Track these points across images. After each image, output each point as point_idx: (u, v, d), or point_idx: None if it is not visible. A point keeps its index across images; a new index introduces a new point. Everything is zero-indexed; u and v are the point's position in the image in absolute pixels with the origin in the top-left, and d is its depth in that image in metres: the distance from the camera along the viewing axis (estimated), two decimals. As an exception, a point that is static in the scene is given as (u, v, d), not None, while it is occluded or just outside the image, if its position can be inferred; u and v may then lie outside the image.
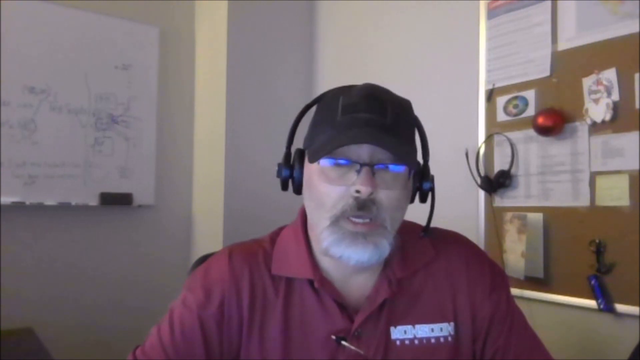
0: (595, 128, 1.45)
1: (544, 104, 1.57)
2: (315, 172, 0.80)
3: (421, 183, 0.85)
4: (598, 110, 1.44)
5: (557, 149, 1.54)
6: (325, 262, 0.85)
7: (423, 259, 0.89)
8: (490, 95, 1.72)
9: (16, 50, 2.04)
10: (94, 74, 2.21)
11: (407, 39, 2.05)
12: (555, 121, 1.51)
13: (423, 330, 0.85)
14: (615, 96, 1.41)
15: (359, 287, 0.86)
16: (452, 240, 0.93)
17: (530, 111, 1.60)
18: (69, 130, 2.15)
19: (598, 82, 1.44)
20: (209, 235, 2.35)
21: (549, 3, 1.58)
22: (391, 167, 0.78)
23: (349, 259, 0.77)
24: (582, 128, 1.48)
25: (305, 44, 2.52)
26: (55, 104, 2.12)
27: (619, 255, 1.39)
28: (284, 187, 0.87)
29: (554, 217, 1.54)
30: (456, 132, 1.81)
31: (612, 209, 1.41)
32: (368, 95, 0.80)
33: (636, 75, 1.37)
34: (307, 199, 0.84)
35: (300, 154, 0.85)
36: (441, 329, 0.86)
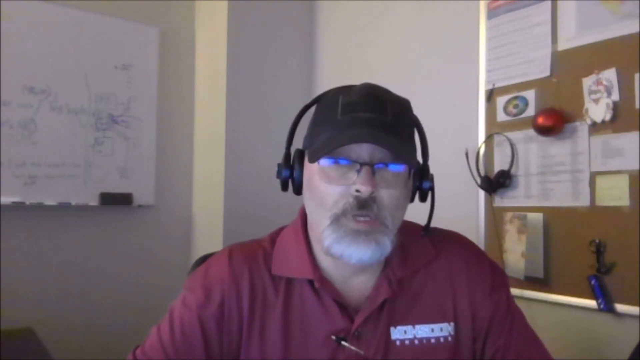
0: (595, 128, 1.45)
1: (544, 104, 1.57)
2: (316, 172, 0.80)
3: (421, 182, 0.85)
4: (598, 110, 1.44)
5: (557, 149, 1.54)
6: (325, 262, 0.85)
7: (423, 258, 0.89)
8: (490, 95, 1.72)
9: (16, 50, 2.04)
10: (94, 74, 2.21)
11: (407, 39, 2.05)
12: (555, 121, 1.51)
13: (423, 331, 0.85)
14: (615, 96, 1.41)
15: (359, 287, 0.86)
16: (452, 240, 0.93)
17: (530, 111, 1.60)
18: (69, 130, 2.15)
19: (598, 82, 1.44)
20: (209, 235, 2.35)
21: (549, 3, 1.58)
22: (391, 166, 0.78)
23: (350, 257, 0.77)
24: (582, 128, 1.48)
25: (305, 44, 2.52)
26: (55, 104, 2.12)
27: (619, 255, 1.39)
28: (284, 187, 0.87)
29: (554, 217, 1.54)
30: (456, 132, 1.81)
31: (612, 209, 1.41)
32: (368, 94, 0.80)
33: (636, 75, 1.37)
34: (308, 198, 0.84)
35: (300, 154, 0.85)
36: (441, 329, 0.86)
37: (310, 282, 0.85)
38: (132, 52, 2.31)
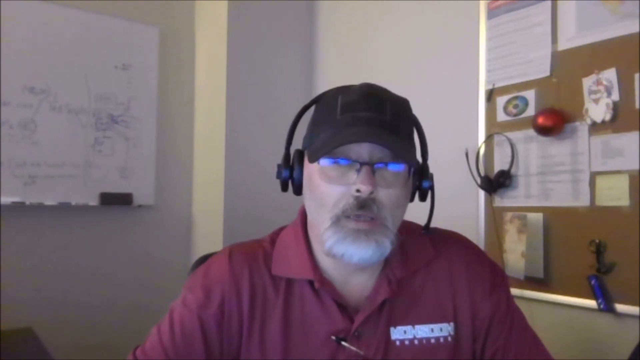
0: (595, 128, 1.45)
1: (544, 104, 1.57)
2: (316, 172, 0.80)
3: (420, 181, 0.85)
4: (598, 110, 1.44)
5: (557, 149, 1.54)
6: (325, 262, 0.85)
7: (423, 258, 0.89)
8: (490, 95, 1.72)
9: (16, 50, 2.04)
10: (94, 74, 2.21)
11: (407, 39, 2.05)
12: (555, 121, 1.51)
13: (423, 331, 0.85)
14: (615, 96, 1.41)
15: (359, 287, 0.86)
16: (452, 241, 0.93)
17: (530, 111, 1.60)
18: (69, 130, 2.15)
19: (598, 82, 1.44)
20: (209, 235, 2.35)
21: (549, 3, 1.58)
22: (391, 165, 0.78)
23: (351, 257, 0.77)
24: (582, 128, 1.48)
25: (305, 44, 2.52)
26: (55, 104, 2.12)
27: (619, 255, 1.39)
28: (284, 188, 0.87)
29: (554, 217, 1.54)
30: (456, 132, 1.81)
31: (612, 209, 1.41)
32: (367, 93, 0.80)
33: (636, 75, 1.37)
34: (308, 199, 0.84)
35: (300, 154, 0.85)
36: (441, 329, 0.86)
37: (310, 283, 0.85)
38: (132, 52, 2.31)
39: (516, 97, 1.64)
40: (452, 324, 0.86)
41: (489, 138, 1.71)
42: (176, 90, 2.47)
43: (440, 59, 1.92)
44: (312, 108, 0.87)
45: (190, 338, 0.82)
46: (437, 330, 0.85)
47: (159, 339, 0.83)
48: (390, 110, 0.79)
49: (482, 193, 1.72)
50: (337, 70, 2.40)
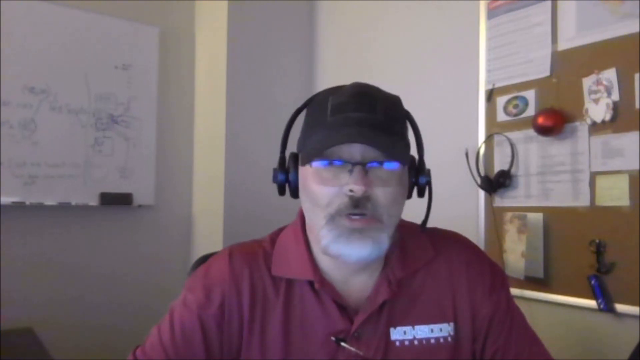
0: (595, 128, 1.45)
1: (544, 104, 1.57)
2: (310, 174, 0.80)
3: (417, 177, 0.85)
4: (598, 110, 1.44)
5: (557, 149, 1.54)
6: (325, 263, 0.85)
7: (423, 258, 0.89)
8: (490, 95, 1.72)
9: (16, 50, 2.04)
10: (94, 74, 2.21)
11: (407, 39, 2.05)
12: (555, 121, 1.51)
13: (423, 331, 0.85)
14: (615, 96, 1.41)
15: (359, 288, 0.86)
16: (452, 240, 0.93)
17: (530, 111, 1.60)
18: (69, 130, 2.15)
19: (598, 82, 1.44)
20: (209, 235, 2.35)
21: (549, 3, 1.58)
22: (386, 164, 0.78)
23: (349, 257, 0.77)
24: (582, 128, 1.48)
25: (305, 44, 2.52)
26: (55, 104, 2.12)
27: (619, 255, 1.39)
28: (281, 192, 0.87)
29: (554, 217, 1.54)
30: (456, 132, 1.81)
31: (612, 209, 1.41)
32: (357, 94, 0.80)
33: (636, 75, 1.37)
34: (304, 200, 0.84)
35: (294, 157, 0.85)
36: (441, 330, 0.86)
37: (310, 283, 0.85)
38: (132, 52, 2.31)
39: (516, 97, 1.64)
40: (452, 324, 0.86)
41: (489, 138, 1.71)
42: (176, 90, 2.47)
43: (440, 59, 1.92)
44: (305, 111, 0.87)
45: (191, 338, 0.83)
46: (437, 331, 0.85)
47: (159, 339, 0.83)
48: (381, 109, 0.79)
49: (482, 193, 1.72)
50: (337, 70, 2.40)
